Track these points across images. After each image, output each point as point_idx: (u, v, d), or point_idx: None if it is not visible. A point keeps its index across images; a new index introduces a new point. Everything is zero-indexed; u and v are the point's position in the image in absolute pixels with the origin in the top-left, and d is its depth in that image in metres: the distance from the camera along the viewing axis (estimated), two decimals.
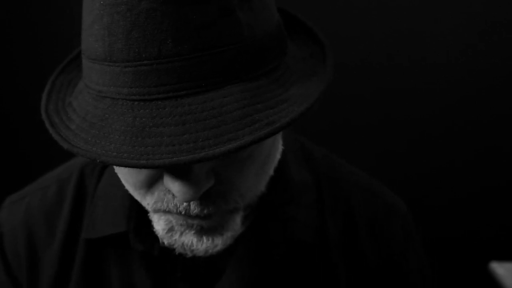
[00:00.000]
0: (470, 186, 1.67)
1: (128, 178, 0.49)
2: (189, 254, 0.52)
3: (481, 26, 1.57)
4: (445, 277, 1.57)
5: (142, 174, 0.47)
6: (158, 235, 0.52)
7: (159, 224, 0.51)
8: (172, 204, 0.47)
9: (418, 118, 1.65)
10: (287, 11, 0.57)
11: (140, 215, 0.58)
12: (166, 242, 0.52)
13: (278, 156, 0.55)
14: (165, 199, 0.48)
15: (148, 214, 0.53)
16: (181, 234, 0.50)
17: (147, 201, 0.49)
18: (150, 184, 0.48)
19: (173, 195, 0.47)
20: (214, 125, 0.40)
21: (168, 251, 0.55)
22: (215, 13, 0.41)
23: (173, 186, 0.44)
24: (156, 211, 0.50)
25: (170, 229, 0.51)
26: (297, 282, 0.60)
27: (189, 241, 0.50)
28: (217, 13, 0.41)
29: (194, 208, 0.47)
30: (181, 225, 0.50)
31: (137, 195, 0.50)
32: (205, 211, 0.47)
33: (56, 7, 1.64)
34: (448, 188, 1.68)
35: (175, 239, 0.51)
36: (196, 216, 0.48)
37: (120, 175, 0.51)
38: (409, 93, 1.63)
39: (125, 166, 0.40)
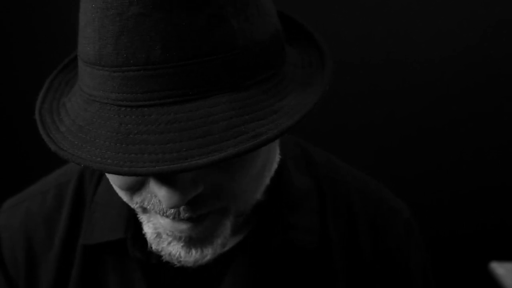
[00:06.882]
0: (470, 186, 1.66)
1: (115, 180, 0.48)
2: (177, 264, 0.51)
3: (481, 26, 1.57)
4: (445, 277, 1.57)
5: (129, 178, 0.47)
6: (147, 239, 0.51)
7: (148, 227, 0.51)
8: (159, 208, 0.47)
9: (417, 117, 1.64)
10: (290, 17, 0.55)
11: (138, 222, 0.57)
12: (154, 248, 0.51)
13: (275, 165, 0.54)
14: (152, 202, 0.47)
15: (138, 216, 0.52)
16: (169, 243, 0.49)
17: (135, 201, 0.49)
18: (137, 187, 0.47)
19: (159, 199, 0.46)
20: (199, 135, 0.39)
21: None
22: (206, 21, 0.40)
23: (159, 191, 0.43)
24: (145, 211, 0.50)
25: (158, 236, 0.50)
26: None
27: (176, 252, 0.49)
28: (209, 21, 0.40)
29: (184, 213, 0.46)
30: (167, 234, 0.49)
31: (123, 196, 0.50)
32: (197, 213, 0.47)
33: (55, 7, 1.64)
34: (448, 188, 1.68)
35: (163, 247, 0.50)
36: (188, 219, 0.47)
37: (108, 177, 0.51)
38: (409, 92, 1.63)
39: (108, 172, 0.39)
